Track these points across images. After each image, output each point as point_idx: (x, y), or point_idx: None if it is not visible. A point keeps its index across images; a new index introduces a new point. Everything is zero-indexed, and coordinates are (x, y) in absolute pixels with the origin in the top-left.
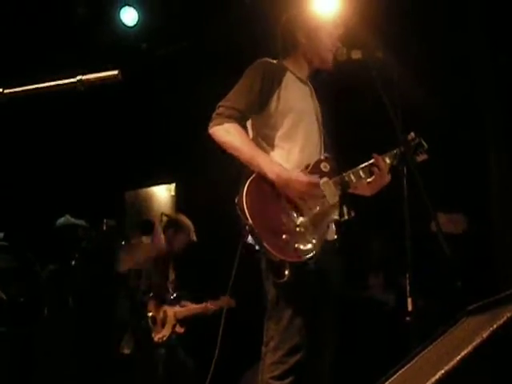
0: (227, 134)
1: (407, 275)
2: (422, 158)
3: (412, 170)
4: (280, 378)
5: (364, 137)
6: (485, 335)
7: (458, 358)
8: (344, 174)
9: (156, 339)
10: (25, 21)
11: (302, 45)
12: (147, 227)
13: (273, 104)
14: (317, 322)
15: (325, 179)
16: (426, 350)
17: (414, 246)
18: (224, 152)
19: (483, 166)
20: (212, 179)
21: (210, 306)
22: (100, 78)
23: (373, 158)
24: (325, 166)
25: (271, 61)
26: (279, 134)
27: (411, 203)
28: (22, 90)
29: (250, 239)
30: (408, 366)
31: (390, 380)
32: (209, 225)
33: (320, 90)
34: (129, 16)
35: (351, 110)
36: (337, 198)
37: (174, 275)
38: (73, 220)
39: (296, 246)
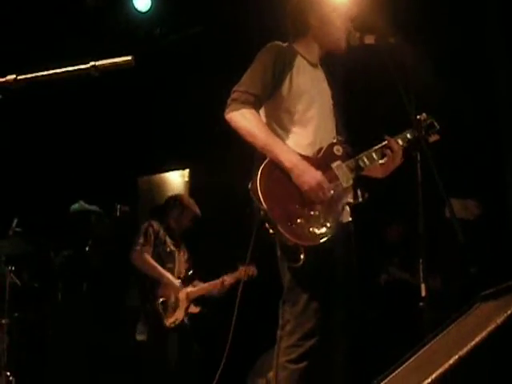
0: (244, 119)
1: (421, 261)
2: (433, 138)
3: (426, 156)
4: (296, 361)
5: (377, 120)
6: (499, 321)
7: (472, 343)
8: (357, 157)
9: (168, 324)
10: (38, 6)
11: (313, 28)
12: (158, 213)
13: (285, 87)
14: (330, 304)
15: (338, 162)
16: (439, 336)
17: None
18: (240, 138)
19: (497, 151)
20: (226, 165)
21: (226, 279)
22: (113, 63)
23: (386, 140)
24: (338, 150)
25: (282, 44)
26: (292, 117)
27: (425, 188)
28: (36, 77)
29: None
30: (422, 351)
31: (404, 365)
32: (223, 211)
33: (332, 74)
34: (142, 2)
35: (364, 94)
36: (351, 181)
37: (187, 256)
38: (86, 206)
39: (311, 229)
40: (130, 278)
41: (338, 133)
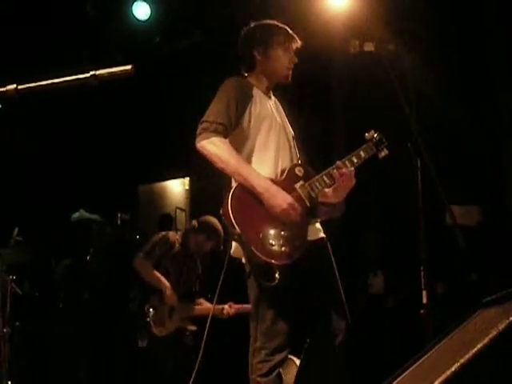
0: (215, 147)
1: (421, 268)
2: (383, 154)
3: (426, 163)
4: (266, 374)
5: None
6: (501, 327)
7: (474, 350)
8: (314, 179)
9: (156, 332)
10: (38, 15)
11: (259, 62)
12: (166, 221)
13: (246, 117)
14: (301, 319)
15: (301, 183)
16: (441, 343)
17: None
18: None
19: (497, 158)
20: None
21: (229, 308)
22: (113, 73)
23: (336, 164)
24: (299, 171)
25: (240, 78)
26: (254, 145)
27: (425, 195)
28: (36, 86)
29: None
30: (423, 358)
31: (405, 373)
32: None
33: (284, 101)
34: (141, 10)
35: (366, 102)
36: (315, 201)
37: (197, 273)
38: (87, 215)
39: (283, 249)
40: (133, 285)
41: (297, 155)
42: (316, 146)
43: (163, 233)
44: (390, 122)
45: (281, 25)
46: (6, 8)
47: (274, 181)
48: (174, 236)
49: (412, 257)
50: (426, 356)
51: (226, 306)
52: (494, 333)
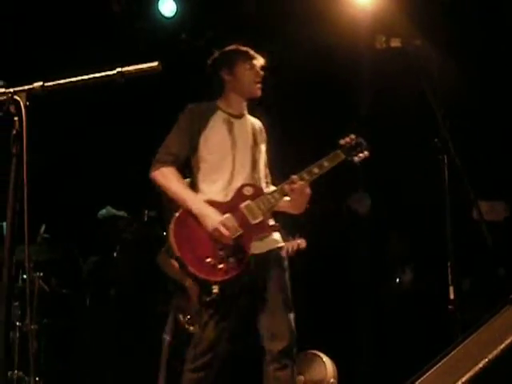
0: (164, 178)
1: (449, 264)
2: (363, 156)
3: (453, 158)
4: (193, 371)
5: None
6: None
7: (502, 346)
8: (263, 196)
9: (193, 330)
10: (63, 12)
11: (228, 82)
12: None
13: (201, 144)
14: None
15: (247, 202)
16: (469, 339)
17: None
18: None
19: None
20: None
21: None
22: (140, 69)
23: (290, 178)
24: (247, 190)
25: (200, 104)
26: (209, 167)
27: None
28: (62, 83)
29: None
30: (451, 354)
31: (433, 368)
32: None
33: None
34: (167, 7)
35: (391, 97)
36: (260, 217)
37: None
38: (114, 211)
39: (220, 266)
40: (160, 282)
41: (260, 173)
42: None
43: None
44: (416, 117)
45: (241, 47)
46: (31, 7)
47: (219, 203)
48: None
49: (440, 253)
50: (453, 352)
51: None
52: None
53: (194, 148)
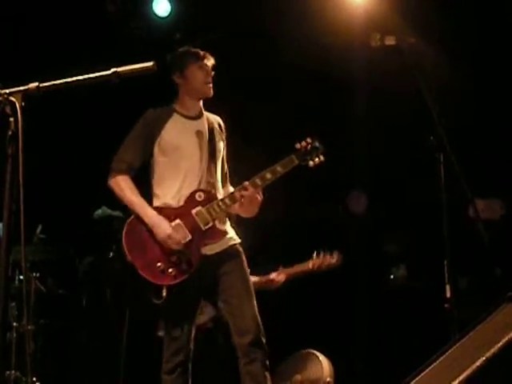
0: (117, 187)
1: (445, 262)
2: (318, 161)
3: (449, 157)
4: (169, 373)
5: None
6: None
7: (499, 344)
8: (214, 202)
9: (198, 322)
10: (57, 12)
11: (180, 84)
12: None
13: (157, 147)
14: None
15: (198, 208)
16: (466, 337)
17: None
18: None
19: None
20: None
21: (277, 275)
22: (135, 69)
23: (243, 184)
24: (199, 196)
25: (154, 110)
26: (163, 171)
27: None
28: (58, 84)
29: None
30: (448, 353)
31: (430, 367)
32: None
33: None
34: (161, 7)
35: (386, 96)
36: (210, 224)
37: None
38: (109, 211)
39: (170, 271)
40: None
41: (216, 176)
42: (336, 137)
43: None
44: (412, 115)
45: (192, 49)
46: (25, 8)
47: (171, 209)
48: None
49: (436, 251)
50: (450, 350)
51: (274, 274)
52: None
53: (149, 153)
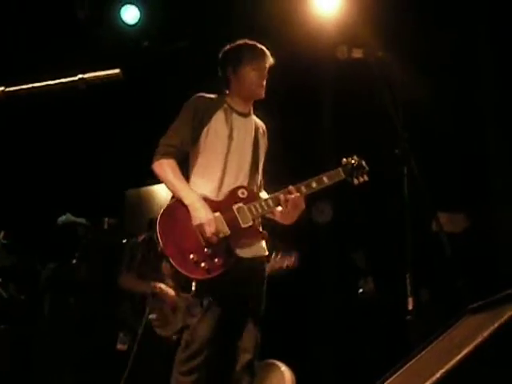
0: (162, 170)
1: (407, 275)
2: (361, 180)
3: (413, 170)
4: (184, 374)
5: (366, 135)
6: (486, 334)
7: (459, 356)
8: (257, 202)
9: (161, 333)
10: (27, 17)
11: (231, 80)
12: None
13: (203, 137)
14: (227, 328)
15: (240, 204)
16: (427, 349)
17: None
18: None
19: (484, 164)
20: None
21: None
22: (101, 76)
23: (287, 188)
24: (242, 193)
25: (207, 96)
26: (204, 162)
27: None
28: (23, 89)
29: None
30: (409, 364)
31: (390, 379)
32: None
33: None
34: (130, 14)
35: (352, 108)
36: (250, 222)
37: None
38: (73, 218)
39: (202, 265)
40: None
41: (257, 178)
42: (302, 153)
43: (132, 239)
44: (377, 128)
45: (252, 43)
46: None
47: (212, 200)
48: (147, 235)
49: (400, 264)
50: (411, 362)
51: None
52: (479, 339)
53: (194, 143)
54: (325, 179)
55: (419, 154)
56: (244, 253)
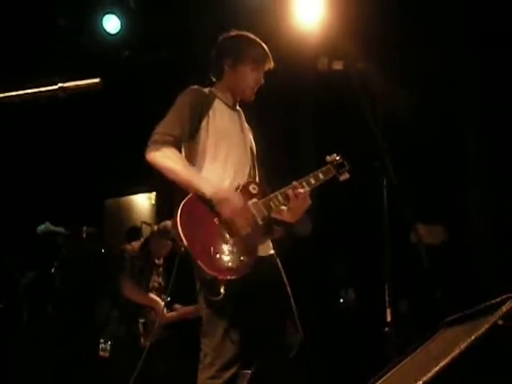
0: (166, 158)
1: (386, 286)
2: (344, 177)
3: (392, 182)
4: None
5: (347, 144)
6: (463, 346)
7: (437, 368)
8: (269, 197)
9: (143, 344)
10: (7, 25)
11: (226, 72)
12: (133, 234)
13: (202, 129)
14: (253, 333)
15: (254, 200)
16: (404, 361)
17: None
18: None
19: (463, 176)
20: None
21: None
22: (81, 85)
23: (292, 184)
24: (253, 188)
25: (201, 89)
26: (207, 159)
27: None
28: (2, 97)
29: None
30: (387, 376)
31: None
32: None
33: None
34: (111, 24)
35: (334, 120)
36: (266, 219)
37: (160, 280)
38: (52, 227)
39: (229, 264)
40: (99, 297)
41: (256, 172)
42: (283, 162)
43: (119, 249)
44: (357, 140)
45: (258, 41)
46: None
47: None
48: (131, 246)
49: (379, 276)
50: (388, 374)
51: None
52: (456, 352)
53: (193, 135)
54: (320, 175)
55: (398, 165)
56: (261, 251)
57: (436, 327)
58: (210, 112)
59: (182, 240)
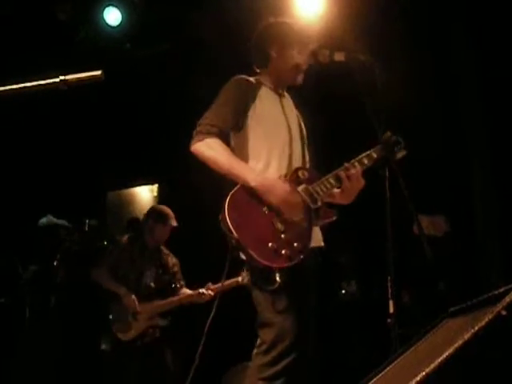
0: (209, 148)
1: (389, 278)
2: (401, 154)
3: (394, 173)
4: (270, 379)
5: (348, 137)
6: (466, 337)
7: (440, 359)
8: (319, 181)
9: (126, 339)
10: (8, 19)
11: (273, 59)
12: (134, 225)
13: (248, 121)
14: (304, 322)
15: (304, 186)
16: (407, 352)
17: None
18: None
19: (465, 168)
20: (194, 180)
21: (206, 291)
22: (83, 78)
23: (344, 165)
24: (303, 174)
25: (246, 78)
26: (256, 147)
27: (393, 205)
28: (4, 90)
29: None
30: (390, 367)
31: (372, 381)
32: (191, 225)
33: (300, 100)
34: (112, 16)
35: (336, 112)
36: (319, 203)
37: (162, 270)
38: (55, 220)
39: (283, 252)
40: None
41: (307, 157)
42: None
43: (117, 238)
44: (358, 131)
45: (300, 23)
46: None
47: None
48: (126, 237)
49: (381, 266)
50: (392, 365)
51: (203, 290)
52: (459, 342)
53: (238, 127)
54: (373, 154)
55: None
56: (313, 241)
57: (439, 318)
58: (257, 101)
59: (232, 232)
